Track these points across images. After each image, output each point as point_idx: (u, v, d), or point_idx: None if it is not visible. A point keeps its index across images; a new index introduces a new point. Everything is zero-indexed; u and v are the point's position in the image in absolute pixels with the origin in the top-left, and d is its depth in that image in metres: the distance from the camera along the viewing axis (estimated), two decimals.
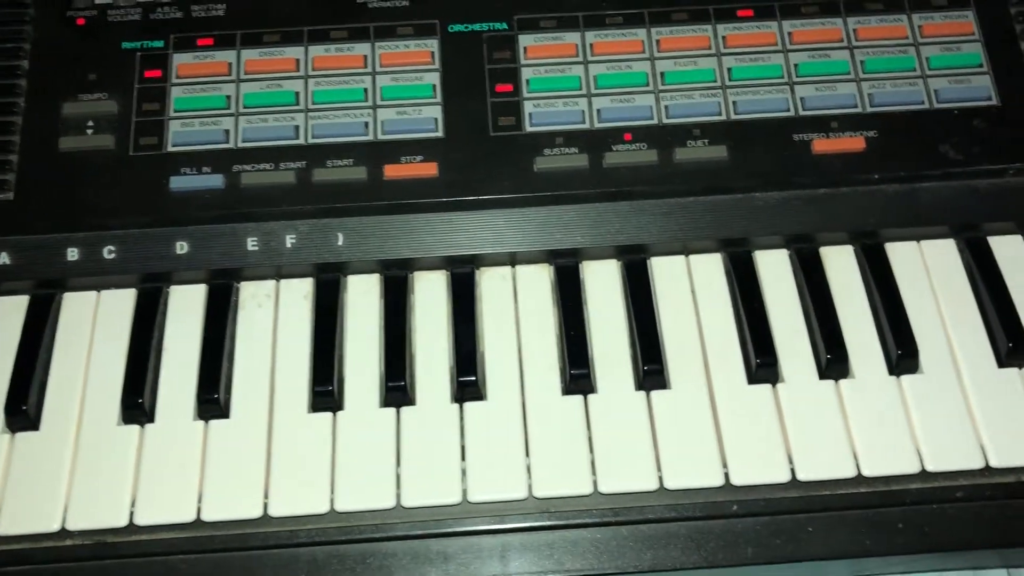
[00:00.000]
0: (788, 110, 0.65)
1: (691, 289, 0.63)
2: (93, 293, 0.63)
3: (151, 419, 0.59)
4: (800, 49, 0.67)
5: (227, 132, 0.65)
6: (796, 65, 0.66)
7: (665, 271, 0.64)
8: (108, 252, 0.63)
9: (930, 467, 0.57)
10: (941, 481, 0.57)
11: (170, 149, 0.65)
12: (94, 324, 0.62)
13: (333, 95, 0.66)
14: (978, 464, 0.57)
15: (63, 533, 0.56)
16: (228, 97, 0.66)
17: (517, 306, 0.63)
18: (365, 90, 0.66)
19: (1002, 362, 0.60)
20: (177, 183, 0.64)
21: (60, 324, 0.62)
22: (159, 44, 0.67)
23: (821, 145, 0.64)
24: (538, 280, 0.64)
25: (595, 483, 0.57)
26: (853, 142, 0.64)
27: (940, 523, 0.57)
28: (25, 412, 0.58)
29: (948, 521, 0.57)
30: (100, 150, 0.64)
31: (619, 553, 0.56)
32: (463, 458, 0.57)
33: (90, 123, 0.65)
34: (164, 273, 0.63)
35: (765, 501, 0.57)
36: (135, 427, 0.59)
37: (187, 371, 0.61)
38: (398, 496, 0.56)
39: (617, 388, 0.59)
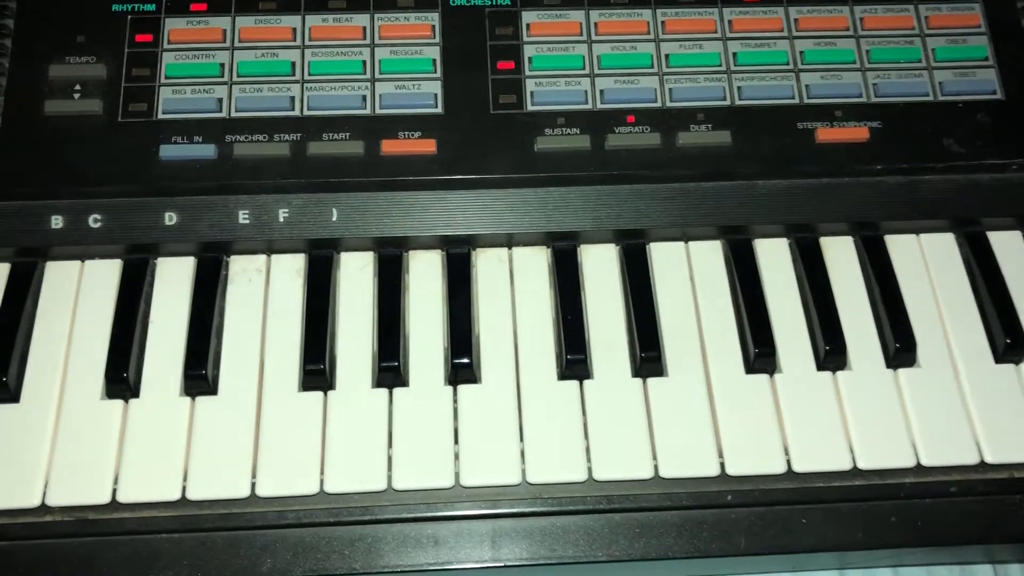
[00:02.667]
0: (793, 97, 0.64)
1: (690, 276, 0.62)
2: (77, 263, 0.61)
3: (136, 394, 0.58)
4: (806, 36, 0.66)
5: (220, 101, 0.63)
6: (802, 52, 0.65)
7: (664, 257, 0.63)
8: (94, 221, 0.61)
9: (925, 461, 0.57)
10: (935, 476, 0.57)
11: (160, 117, 0.63)
12: (77, 295, 0.61)
13: (330, 67, 0.64)
14: (973, 459, 0.57)
15: (43, 509, 0.55)
16: (222, 65, 0.64)
17: (513, 288, 0.62)
18: (363, 63, 0.64)
19: (999, 358, 0.60)
20: (167, 152, 0.62)
21: (42, 294, 0.60)
22: (151, 8, 0.65)
23: (825, 134, 0.63)
24: (535, 263, 0.63)
25: (589, 470, 0.56)
26: (857, 132, 0.63)
27: (933, 517, 0.57)
28: (5, 384, 0.57)
29: (941, 515, 0.57)
30: (87, 115, 0.62)
31: (612, 541, 0.56)
32: (456, 441, 0.56)
33: (77, 87, 0.63)
34: (151, 244, 0.61)
35: (760, 492, 0.56)
36: (119, 402, 0.57)
37: (174, 346, 0.59)
38: (389, 478, 0.55)
39: (613, 374, 0.59)
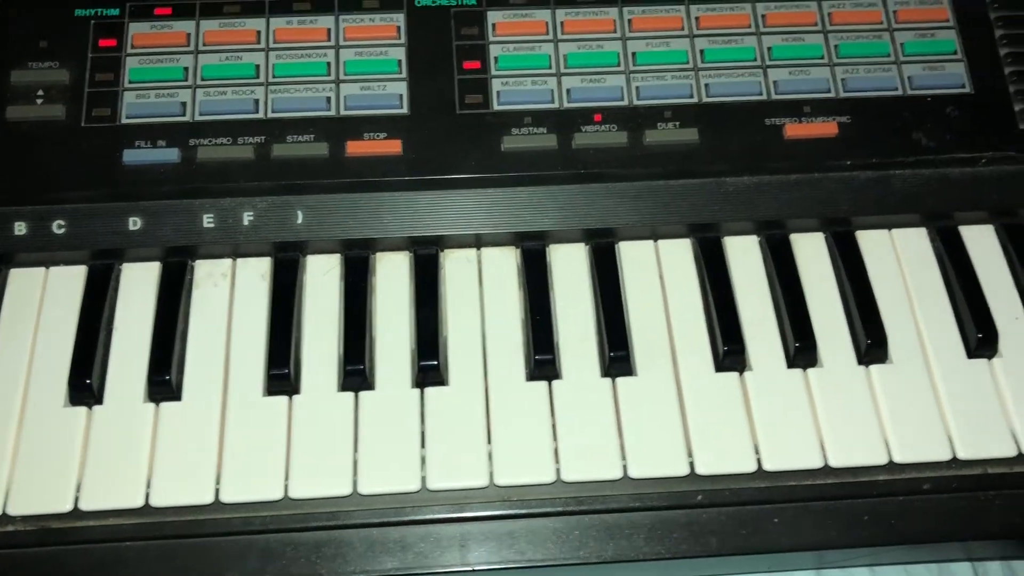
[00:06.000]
0: (760, 94, 0.64)
1: (659, 275, 0.62)
2: (41, 269, 0.61)
3: (99, 401, 0.57)
4: (773, 32, 0.65)
5: (184, 104, 0.62)
6: (769, 48, 0.65)
7: (633, 256, 0.62)
8: (57, 227, 0.60)
9: (897, 458, 0.56)
10: (908, 473, 0.56)
11: (124, 121, 0.62)
12: (41, 301, 0.60)
13: (295, 68, 0.64)
14: (946, 456, 0.56)
15: (5, 519, 0.54)
16: (185, 69, 0.63)
17: (482, 289, 0.61)
18: (328, 64, 0.64)
19: (971, 353, 0.59)
20: (131, 156, 0.61)
21: (5, 300, 0.60)
22: (114, 12, 0.65)
23: (793, 130, 0.63)
24: (504, 263, 0.62)
25: (558, 471, 0.55)
26: (826, 127, 0.63)
27: (907, 515, 0.56)
28: None
29: (915, 513, 0.56)
30: (50, 120, 0.62)
31: (581, 543, 0.55)
32: (423, 445, 0.56)
33: (40, 92, 0.62)
34: (116, 250, 0.61)
35: (730, 491, 0.56)
36: (82, 409, 0.56)
37: (138, 352, 0.58)
38: (355, 483, 0.55)
39: (582, 374, 0.58)
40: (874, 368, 0.58)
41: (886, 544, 0.56)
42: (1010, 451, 0.56)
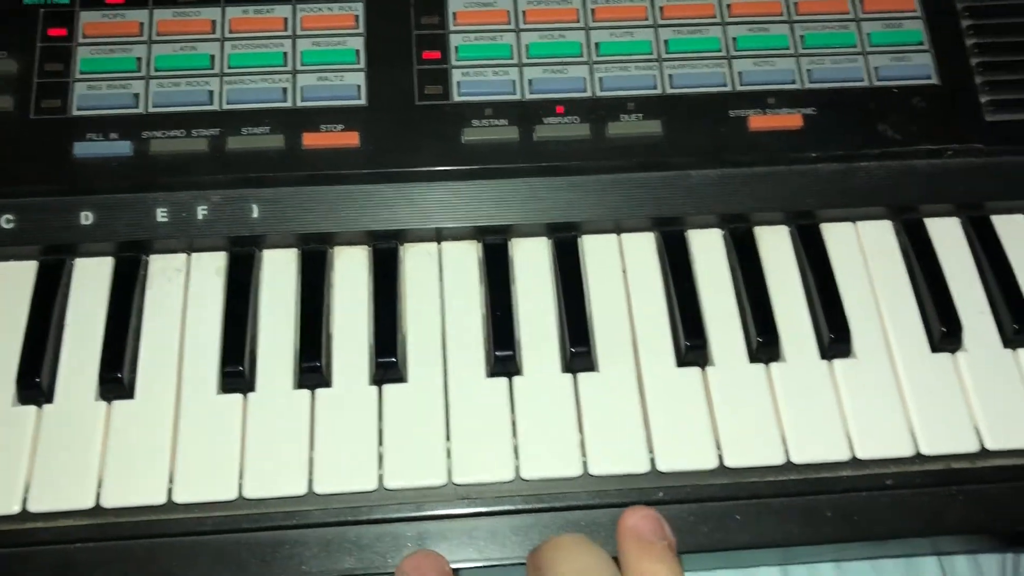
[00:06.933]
0: (725, 85, 0.63)
1: (622, 269, 0.61)
2: None
3: (49, 399, 0.56)
4: (739, 22, 0.65)
5: (136, 96, 0.61)
6: (734, 39, 0.64)
7: (596, 250, 0.61)
8: (6, 222, 0.59)
9: (860, 454, 0.55)
10: (872, 468, 0.56)
11: (75, 113, 0.61)
12: None
13: (250, 59, 0.62)
14: (909, 452, 0.56)
15: None
16: (138, 59, 0.62)
17: (442, 284, 0.60)
18: (284, 54, 0.62)
19: (935, 347, 0.59)
20: (82, 149, 0.60)
21: None
22: (64, 1, 0.63)
23: (758, 122, 0.62)
24: (465, 257, 0.61)
25: (517, 469, 0.54)
26: (790, 119, 0.62)
27: (870, 511, 0.55)
28: None
29: (878, 509, 0.55)
30: None
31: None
32: (380, 443, 0.55)
33: None
34: (67, 245, 0.59)
35: (692, 488, 0.55)
36: (31, 408, 0.55)
37: (90, 349, 0.57)
38: (310, 482, 0.54)
39: (543, 370, 0.57)
40: (837, 363, 0.58)
41: (849, 540, 0.56)
42: (973, 446, 0.56)
